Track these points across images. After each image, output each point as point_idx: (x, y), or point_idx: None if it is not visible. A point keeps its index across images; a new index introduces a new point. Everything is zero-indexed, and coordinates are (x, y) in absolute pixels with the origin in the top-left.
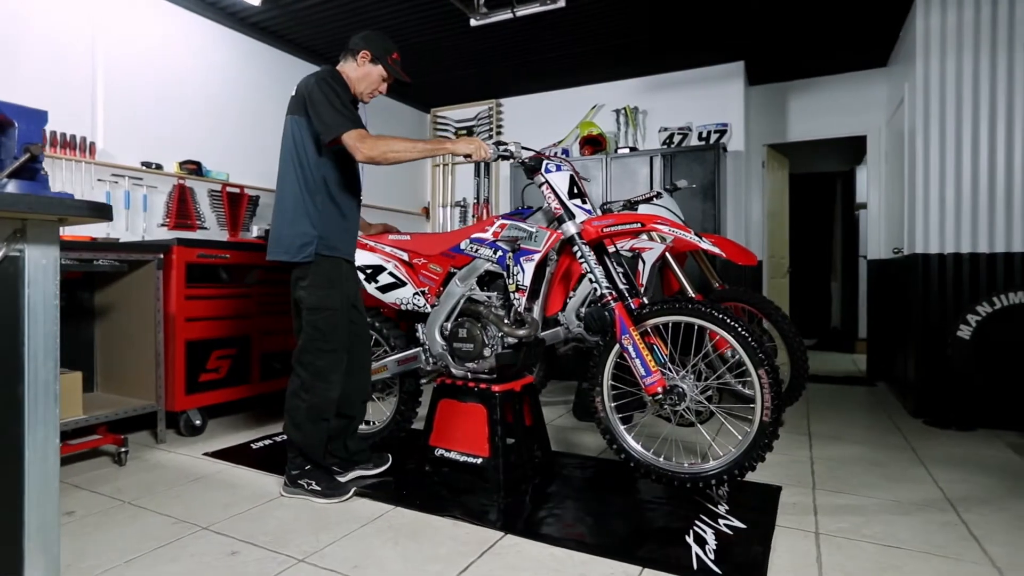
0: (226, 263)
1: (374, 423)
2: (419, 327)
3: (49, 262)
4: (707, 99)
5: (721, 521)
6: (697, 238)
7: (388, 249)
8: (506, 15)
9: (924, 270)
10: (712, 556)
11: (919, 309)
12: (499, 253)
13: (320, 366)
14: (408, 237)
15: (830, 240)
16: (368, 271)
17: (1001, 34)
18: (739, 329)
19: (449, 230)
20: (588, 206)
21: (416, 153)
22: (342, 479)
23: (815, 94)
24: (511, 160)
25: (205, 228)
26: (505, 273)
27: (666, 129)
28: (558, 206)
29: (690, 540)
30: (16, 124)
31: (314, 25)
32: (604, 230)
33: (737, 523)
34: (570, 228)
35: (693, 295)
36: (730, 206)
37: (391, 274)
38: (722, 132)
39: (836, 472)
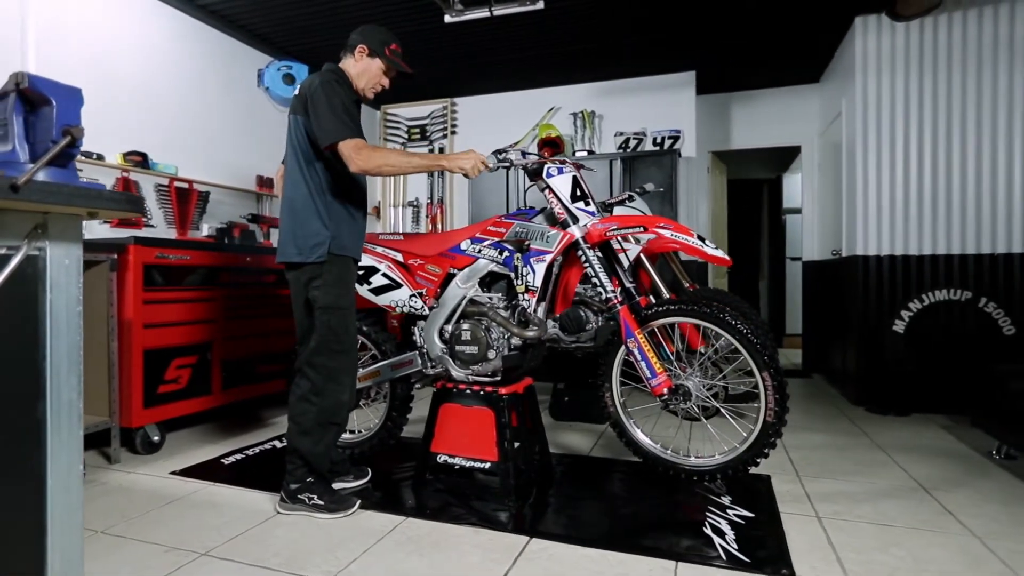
0: (187, 264)
1: (361, 431)
2: (415, 330)
3: (72, 262)
4: (661, 106)
5: (730, 511)
6: (701, 242)
7: (380, 250)
8: (483, 13)
9: (863, 270)
10: (735, 545)
11: (858, 306)
12: (505, 254)
13: (333, 367)
14: (401, 237)
15: (758, 242)
16: (360, 272)
17: (927, 57)
18: (745, 332)
19: (401, 231)
20: (592, 208)
21: (411, 168)
22: None
23: (755, 106)
24: (511, 168)
25: (152, 226)
26: (512, 274)
27: (622, 134)
28: (561, 210)
29: (709, 531)
30: (54, 103)
31: (267, 11)
32: (608, 232)
33: (745, 512)
34: (575, 232)
35: (668, 295)
36: (683, 209)
37: (385, 275)
38: (675, 138)
39: (811, 459)
